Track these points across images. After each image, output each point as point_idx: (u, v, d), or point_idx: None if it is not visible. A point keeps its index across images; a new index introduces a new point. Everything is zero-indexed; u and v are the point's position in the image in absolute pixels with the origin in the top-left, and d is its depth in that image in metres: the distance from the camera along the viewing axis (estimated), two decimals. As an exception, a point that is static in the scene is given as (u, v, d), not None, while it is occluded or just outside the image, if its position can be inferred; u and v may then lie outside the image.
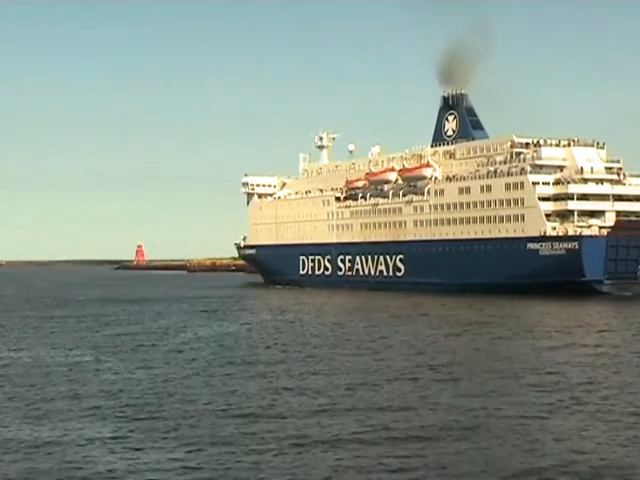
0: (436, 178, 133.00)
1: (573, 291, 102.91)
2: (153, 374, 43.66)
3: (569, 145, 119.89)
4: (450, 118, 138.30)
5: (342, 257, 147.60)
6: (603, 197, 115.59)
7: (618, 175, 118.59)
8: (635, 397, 36.25)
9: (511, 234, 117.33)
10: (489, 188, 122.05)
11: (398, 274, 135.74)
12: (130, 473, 25.39)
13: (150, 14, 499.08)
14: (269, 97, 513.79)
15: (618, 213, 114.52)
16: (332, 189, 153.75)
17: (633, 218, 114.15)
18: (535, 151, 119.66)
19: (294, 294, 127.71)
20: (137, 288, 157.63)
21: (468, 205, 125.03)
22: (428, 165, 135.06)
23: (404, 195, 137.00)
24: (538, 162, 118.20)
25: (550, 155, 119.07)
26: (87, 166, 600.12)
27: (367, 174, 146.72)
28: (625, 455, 26.79)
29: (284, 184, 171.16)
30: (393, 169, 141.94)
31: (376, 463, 25.98)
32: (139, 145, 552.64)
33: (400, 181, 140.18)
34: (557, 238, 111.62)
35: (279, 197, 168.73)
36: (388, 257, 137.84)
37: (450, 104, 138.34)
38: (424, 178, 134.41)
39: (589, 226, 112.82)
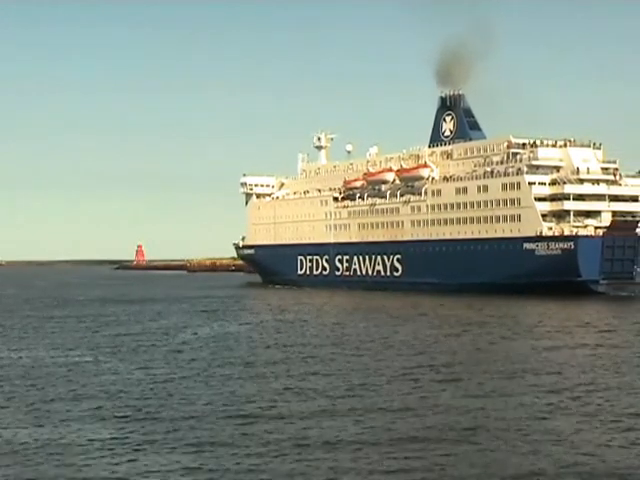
0: (433, 178, 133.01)
1: (569, 291, 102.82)
2: (153, 374, 43.47)
3: (565, 146, 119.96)
4: (447, 119, 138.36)
5: (340, 257, 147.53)
6: (599, 197, 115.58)
7: (614, 175, 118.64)
8: (635, 398, 36.07)
9: (508, 234, 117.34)
10: (486, 188, 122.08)
11: (395, 274, 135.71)
12: (130, 475, 25.21)
13: (150, 14, 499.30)
14: (269, 97, 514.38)
15: (614, 213, 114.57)
16: (330, 189, 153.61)
17: (629, 218, 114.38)
18: (532, 151, 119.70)
19: (293, 294, 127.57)
20: (137, 288, 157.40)
21: (465, 205, 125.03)
22: (425, 165, 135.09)
23: (401, 195, 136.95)
24: (535, 162, 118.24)
25: (546, 155, 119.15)
26: (87, 166, 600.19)
27: (365, 174, 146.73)
28: (625, 457, 26.62)
29: (282, 184, 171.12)
30: (391, 169, 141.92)
31: (376, 464, 25.83)
32: (139, 145, 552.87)
33: (398, 181, 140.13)
34: (553, 238, 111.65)
35: (277, 197, 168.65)
36: (385, 257, 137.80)
37: (448, 105, 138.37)
38: (421, 178, 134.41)
39: (585, 226, 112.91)
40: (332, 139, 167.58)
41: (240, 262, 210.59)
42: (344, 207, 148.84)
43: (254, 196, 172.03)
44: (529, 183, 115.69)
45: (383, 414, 32.93)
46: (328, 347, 54.91)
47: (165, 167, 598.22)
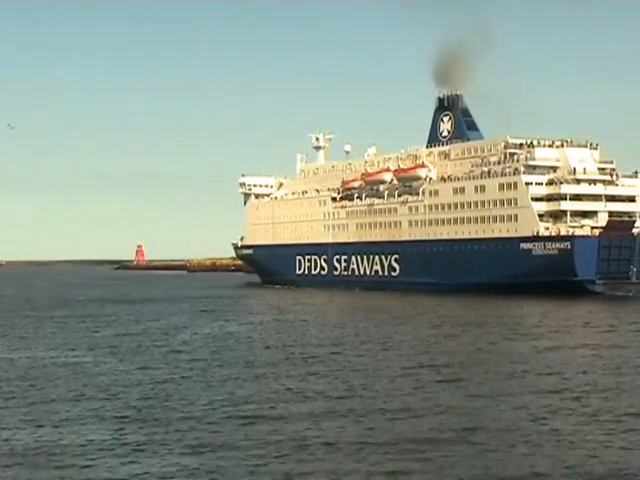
0: (431, 179, 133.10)
1: (565, 291, 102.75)
2: (153, 375, 43.31)
3: (562, 146, 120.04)
4: (445, 119, 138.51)
5: (338, 257, 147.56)
6: (596, 197, 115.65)
7: (611, 176, 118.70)
8: (635, 398, 35.91)
9: (504, 234, 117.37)
10: (483, 188, 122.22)
11: (393, 274, 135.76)
12: (130, 476, 25.11)
13: (150, 14, 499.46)
14: (268, 97, 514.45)
15: (611, 214, 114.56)
16: (328, 189, 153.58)
17: (625, 218, 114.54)
18: (529, 152, 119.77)
19: (292, 294, 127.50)
20: (137, 288, 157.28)
21: (462, 205, 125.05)
22: (423, 165, 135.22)
23: (399, 195, 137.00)
24: (531, 163, 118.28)
25: (543, 156, 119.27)
26: (87, 166, 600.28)
27: (363, 174, 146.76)
28: (626, 458, 26.49)
29: (281, 184, 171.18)
30: (388, 169, 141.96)
31: (376, 466, 25.71)
32: (139, 145, 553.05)
33: (395, 181, 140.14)
34: (550, 238, 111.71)
35: (276, 197, 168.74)
36: (383, 257, 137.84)
37: (445, 105, 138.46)
38: (419, 178, 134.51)
39: (581, 226, 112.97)
40: (330, 139, 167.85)
41: (240, 262, 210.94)
42: (342, 207, 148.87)
43: (253, 196, 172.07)
44: (526, 183, 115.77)
45: (383, 415, 32.80)
46: (328, 347, 54.76)
47: (165, 167, 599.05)
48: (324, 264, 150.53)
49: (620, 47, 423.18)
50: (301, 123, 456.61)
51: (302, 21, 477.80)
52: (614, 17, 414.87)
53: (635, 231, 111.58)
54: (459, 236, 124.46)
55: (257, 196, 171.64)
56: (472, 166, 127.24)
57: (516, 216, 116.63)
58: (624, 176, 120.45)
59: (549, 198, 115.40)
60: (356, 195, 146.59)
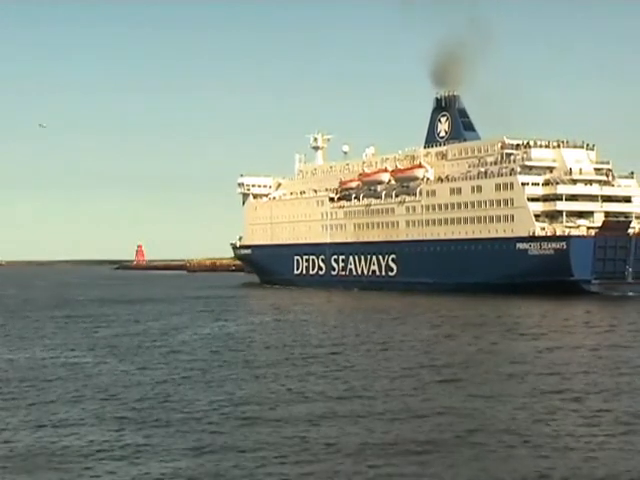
0: (428, 179, 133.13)
1: (561, 291, 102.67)
2: (153, 375, 43.09)
3: (559, 146, 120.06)
4: (443, 119, 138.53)
5: (336, 257, 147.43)
6: (592, 198, 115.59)
7: (607, 176, 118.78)
8: (635, 399, 35.72)
9: (501, 234, 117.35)
10: (479, 189, 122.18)
11: (390, 274, 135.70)
12: (130, 478, 24.94)
13: (150, 14, 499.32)
14: (268, 97, 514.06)
15: (607, 214, 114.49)
16: (326, 190, 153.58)
17: (621, 219, 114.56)
18: (525, 152, 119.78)
19: (290, 294, 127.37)
20: (137, 288, 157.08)
21: (459, 205, 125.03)
22: (420, 166, 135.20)
23: (397, 196, 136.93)
24: (528, 163, 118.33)
25: (540, 156, 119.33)
26: (87, 166, 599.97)
27: (360, 175, 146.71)
28: (626, 461, 26.24)
29: (279, 184, 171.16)
30: (386, 170, 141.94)
31: (376, 468, 25.51)
32: (139, 145, 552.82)
33: (393, 182, 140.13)
34: (546, 238, 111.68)
35: (274, 197, 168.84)
36: (381, 257, 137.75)
37: (443, 105, 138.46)
38: (416, 179, 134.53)
39: (577, 226, 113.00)
40: (329, 140, 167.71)
41: (240, 262, 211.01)
42: (340, 207, 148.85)
43: (251, 196, 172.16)
44: (522, 184, 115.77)
45: (383, 416, 32.59)
46: (328, 347, 54.53)
47: (165, 167, 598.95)
48: (322, 264, 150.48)
49: (620, 47, 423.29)
50: (300, 123, 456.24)
51: (302, 21, 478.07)
52: (614, 17, 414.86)
53: (631, 231, 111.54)
54: (456, 236, 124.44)
55: (255, 196, 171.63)
56: (469, 166, 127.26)
57: (512, 216, 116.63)
58: (620, 176, 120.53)
59: (545, 198, 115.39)
60: (354, 195, 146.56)
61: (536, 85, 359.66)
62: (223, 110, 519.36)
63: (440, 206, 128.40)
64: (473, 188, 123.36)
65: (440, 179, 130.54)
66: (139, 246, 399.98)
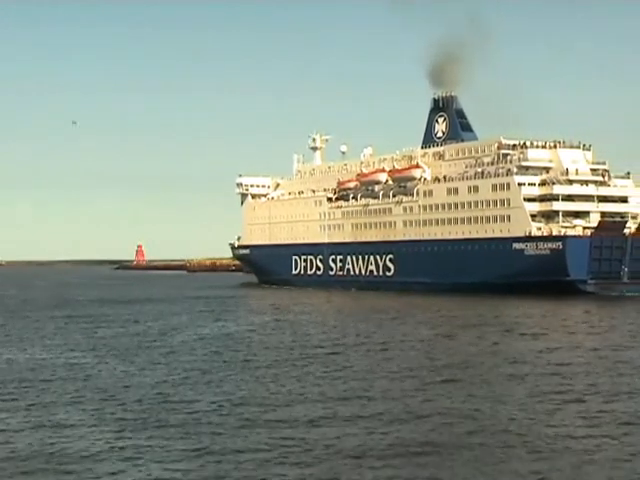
0: (425, 179, 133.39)
1: (557, 291, 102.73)
2: (153, 376, 42.96)
3: (555, 147, 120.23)
4: (440, 120, 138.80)
5: (334, 257, 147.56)
6: (588, 198, 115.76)
7: (603, 176, 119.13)
8: (635, 400, 35.61)
9: (497, 234, 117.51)
10: (476, 189, 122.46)
11: (388, 274, 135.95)
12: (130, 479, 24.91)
13: (150, 14, 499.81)
14: (268, 97, 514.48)
15: (603, 214, 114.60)
16: (324, 190, 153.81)
17: (617, 219, 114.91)
18: (521, 152, 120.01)
19: (289, 294, 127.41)
20: (137, 288, 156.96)
21: (456, 206, 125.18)
22: (417, 166, 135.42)
23: (394, 196, 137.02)
24: (524, 163, 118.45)
25: (536, 157, 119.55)
26: (87, 166, 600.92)
27: (358, 175, 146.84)
28: (626, 463, 26.13)
29: (278, 185, 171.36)
30: (383, 170, 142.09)
31: (376, 470, 25.42)
32: (139, 145, 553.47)
33: (390, 182, 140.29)
34: (542, 238, 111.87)
35: (272, 198, 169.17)
36: (378, 257, 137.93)
37: (440, 106, 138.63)
38: (413, 179, 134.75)
39: (573, 226, 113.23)
40: (327, 140, 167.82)
41: (240, 262, 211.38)
42: (338, 207, 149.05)
43: (249, 196, 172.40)
44: (519, 184, 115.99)
45: (383, 417, 32.44)
46: (328, 348, 54.36)
47: (165, 167, 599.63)
48: (320, 264, 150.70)
49: (620, 47, 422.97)
50: (299, 124, 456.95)
51: (301, 21, 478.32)
52: (614, 17, 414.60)
53: (627, 231, 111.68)
54: (453, 236, 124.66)
55: (254, 196, 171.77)
56: (466, 167, 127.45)
57: (509, 216, 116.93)
58: (616, 177, 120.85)
59: (541, 198, 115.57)
60: (351, 195, 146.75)
61: (536, 85, 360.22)
62: (223, 110, 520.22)
63: (437, 206, 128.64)
64: (470, 188, 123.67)
65: (437, 179, 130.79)
66: (139, 246, 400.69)
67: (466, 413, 33.04)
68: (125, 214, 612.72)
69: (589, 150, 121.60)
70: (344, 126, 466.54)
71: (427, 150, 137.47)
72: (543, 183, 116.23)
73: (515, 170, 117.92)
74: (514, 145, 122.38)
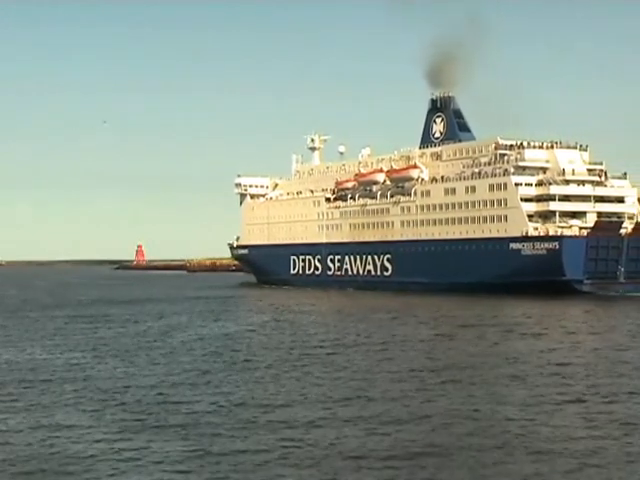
0: (423, 179, 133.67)
1: (554, 290, 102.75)
2: (153, 376, 42.88)
3: (552, 147, 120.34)
4: (438, 120, 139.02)
5: (332, 257, 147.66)
6: (584, 198, 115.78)
7: (600, 177, 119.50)
8: (635, 401, 35.49)
9: (494, 234, 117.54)
10: (473, 189, 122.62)
11: (385, 274, 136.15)
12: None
13: (150, 14, 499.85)
14: (268, 97, 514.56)
15: (599, 214, 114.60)
16: (323, 190, 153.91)
17: (614, 219, 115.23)
18: (519, 153, 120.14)
19: (288, 294, 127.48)
20: (137, 288, 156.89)
21: (453, 206, 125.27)
22: (415, 166, 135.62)
23: (392, 196, 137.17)
24: (521, 164, 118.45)
25: (533, 157, 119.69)
26: (87, 166, 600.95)
27: (356, 175, 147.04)
28: (627, 465, 26.02)
29: (276, 185, 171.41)
30: (381, 170, 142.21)
31: (375, 472, 25.37)
32: (139, 145, 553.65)
33: (388, 182, 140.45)
34: (538, 238, 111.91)
35: (271, 198, 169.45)
36: (376, 257, 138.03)
37: (438, 106, 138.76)
38: (411, 179, 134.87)
39: (570, 227, 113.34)
40: (326, 140, 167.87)
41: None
42: (336, 207, 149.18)
43: (248, 196, 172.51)
44: (515, 184, 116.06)
45: (383, 418, 32.33)
46: (328, 348, 54.25)
47: (165, 167, 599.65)
48: (318, 264, 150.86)
49: (620, 47, 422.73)
50: (298, 124, 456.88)
51: (301, 21, 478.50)
52: (614, 17, 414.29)
53: (623, 231, 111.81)
54: (450, 236, 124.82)
55: (253, 196, 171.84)
56: (463, 167, 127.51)
57: (506, 216, 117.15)
58: (613, 177, 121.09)
59: (538, 199, 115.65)
60: (349, 196, 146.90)
61: (535, 85, 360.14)
62: (222, 110, 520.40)
63: (434, 206, 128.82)
64: (467, 188, 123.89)
65: (435, 179, 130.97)
66: (139, 246, 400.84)
67: (466, 414, 32.96)
68: (125, 214, 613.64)
69: (586, 150, 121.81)
70: (342, 126, 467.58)
71: (425, 150, 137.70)
72: (540, 183, 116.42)
73: (512, 170, 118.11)
74: (511, 145, 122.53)
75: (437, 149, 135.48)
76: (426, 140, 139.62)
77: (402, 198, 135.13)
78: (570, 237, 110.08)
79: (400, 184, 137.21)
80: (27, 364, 48.19)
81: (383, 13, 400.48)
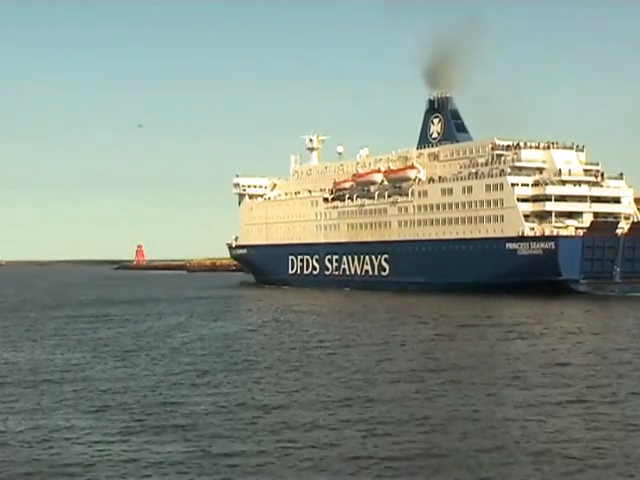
0: (420, 179, 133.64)
1: (550, 290, 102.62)
2: (153, 377, 42.66)
3: (548, 147, 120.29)
4: (435, 121, 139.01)
5: (329, 257, 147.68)
6: (580, 198, 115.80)
7: (596, 177, 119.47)
8: (635, 401, 35.32)
9: (491, 234, 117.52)
10: (470, 189, 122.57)
11: (383, 274, 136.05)
12: None
13: (150, 14, 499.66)
14: (267, 98, 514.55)
15: (596, 214, 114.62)
16: (321, 190, 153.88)
17: (610, 219, 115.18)
18: (515, 153, 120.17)
19: (286, 294, 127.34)
20: (137, 288, 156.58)
21: (450, 206, 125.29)
22: (412, 167, 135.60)
23: (389, 196, 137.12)
24: (518, 164, 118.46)
25: (530, 157, 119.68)
26: (87, 166, 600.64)
27: (354, 175, 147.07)
28: (628, 468, 25.79)
29: (275, 185, 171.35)
30: (379, 170, 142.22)
31: (376, 474, 25.18)
32: (139, 145, 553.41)
33: (385, 182, 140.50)
34: (534, 238, 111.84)
35: (269, 198, 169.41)
36: (374, 257, 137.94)
37: (435, 107, 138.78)
38: (408, 179, 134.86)
39: (566, 227, 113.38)
40: (324, 141, 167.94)
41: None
42: (334, 208, 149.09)
43: (247, 197, 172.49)
44: (512, 184, 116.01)
45: (383, 419, 32.15)
46: (328, 349, 54.02)
47: (165, 167, 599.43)
48: (316, 264, 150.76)
49: (620, 47, 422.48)
50: (297, 124, 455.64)
51: (301, 21, 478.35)
52: (614, 17, 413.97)
53: (619, 232, 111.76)
54: (447, 236, 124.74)
55: (251, 197, 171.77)
56: (460, 167, 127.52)
57: (502, 217, 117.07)
58: (610, 177, 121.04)
59: (535, 199, 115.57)
60: (347, 196, 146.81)
61: (535, 85, 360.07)
62: (222, 110, 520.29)
63: (432, 206, 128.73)
64: (464, 189, 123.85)
65: (432, 180, 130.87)
66: (139, 246, 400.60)
67: (466, 414, 32.82)
68: (125, 214, 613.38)
69: (582, 151, 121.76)
70: (341, 127, 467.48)
71: (422, 151, 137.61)
72: (536, 184, 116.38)
73: (509, 171, 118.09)
74: (508, 146, 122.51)
75: (434, 150, 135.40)
76: (423, 141, 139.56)
77: (399, 198, 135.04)
78: (566, 237, 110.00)
79: (397, 184, 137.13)
80: (27, 364, 47.94)
81: (381, 13, 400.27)
